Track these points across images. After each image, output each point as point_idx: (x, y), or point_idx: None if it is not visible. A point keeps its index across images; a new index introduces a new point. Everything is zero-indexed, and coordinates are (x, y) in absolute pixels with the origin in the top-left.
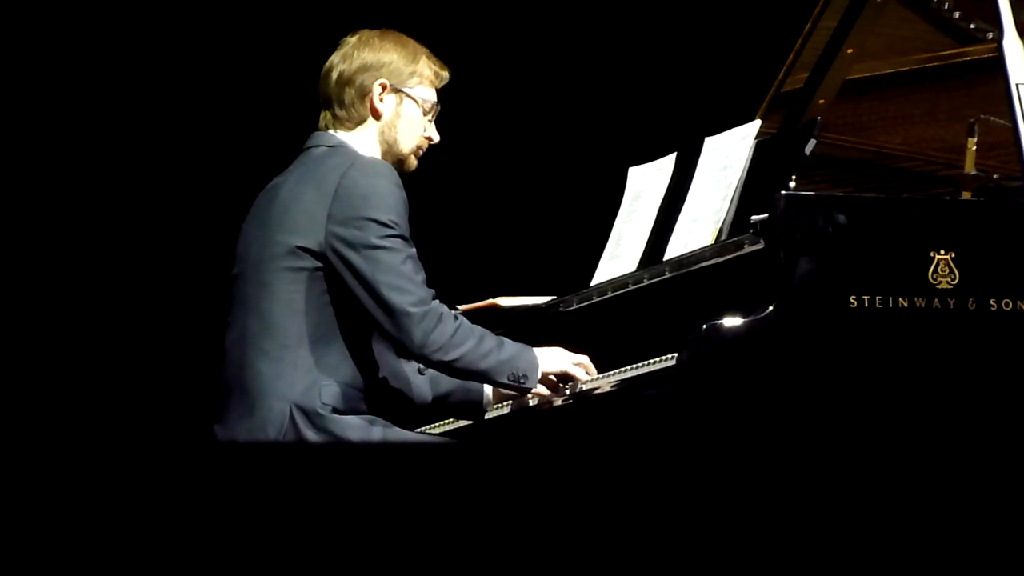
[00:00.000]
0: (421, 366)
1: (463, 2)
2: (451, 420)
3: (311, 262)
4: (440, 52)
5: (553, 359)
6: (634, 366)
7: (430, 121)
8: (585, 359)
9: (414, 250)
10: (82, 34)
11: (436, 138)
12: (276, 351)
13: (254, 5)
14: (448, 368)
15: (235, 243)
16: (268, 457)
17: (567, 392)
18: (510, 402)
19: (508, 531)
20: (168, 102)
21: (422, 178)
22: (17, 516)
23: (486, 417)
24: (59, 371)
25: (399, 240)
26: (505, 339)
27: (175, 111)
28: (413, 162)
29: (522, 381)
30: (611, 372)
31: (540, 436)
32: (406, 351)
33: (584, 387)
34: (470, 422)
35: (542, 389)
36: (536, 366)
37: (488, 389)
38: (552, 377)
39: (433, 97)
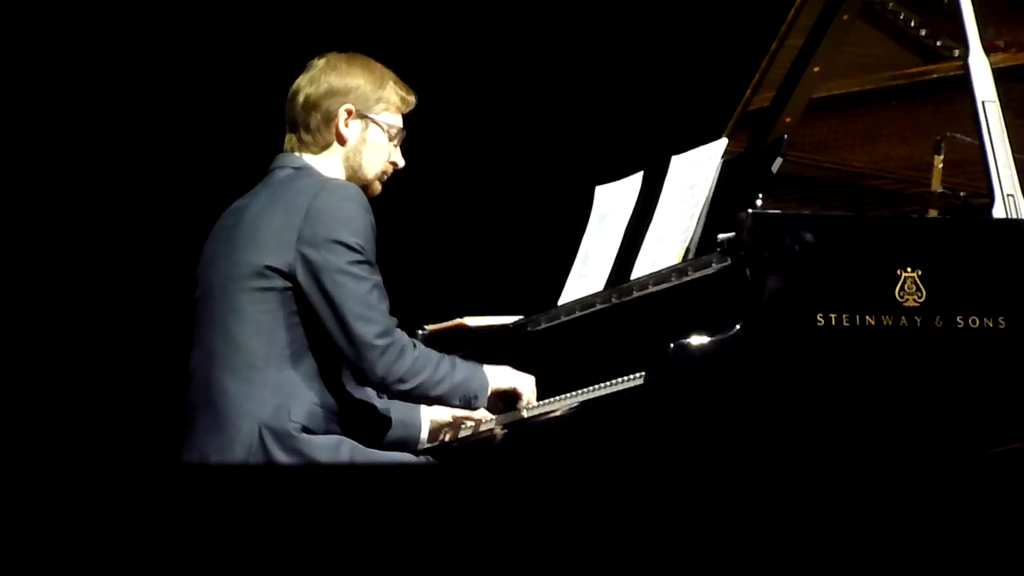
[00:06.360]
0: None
1: (431, 25)
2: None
3: (280, 282)
4: (408, 73)
5: (502, 377)
6: (602, 385)
7: (395, 146)
8: (531, 378)
9: (379, 277)
10: (37, 59)
11: (401, 163)
12: (244, 371)
13: (216, 27)
14: (405, 396)
15: (195, 265)
16: (236, 478)
17: (526, 414)
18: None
19: (477, 550)
20: (125, 129)
21: (390, 197)
22: None
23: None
24: (20, 394)
25: (366, 267)
26: (457, 360)
27: (133, 137)
28: (377, 187)
29: (473, 402)
30: (578, 391)
31: (512, 456)
32: (366, 380)
33: (554, 408)
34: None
35: (484, 413)
36: (486, 386)
37: (424, 433)
38: (500, 392)
39: (399, 123)
